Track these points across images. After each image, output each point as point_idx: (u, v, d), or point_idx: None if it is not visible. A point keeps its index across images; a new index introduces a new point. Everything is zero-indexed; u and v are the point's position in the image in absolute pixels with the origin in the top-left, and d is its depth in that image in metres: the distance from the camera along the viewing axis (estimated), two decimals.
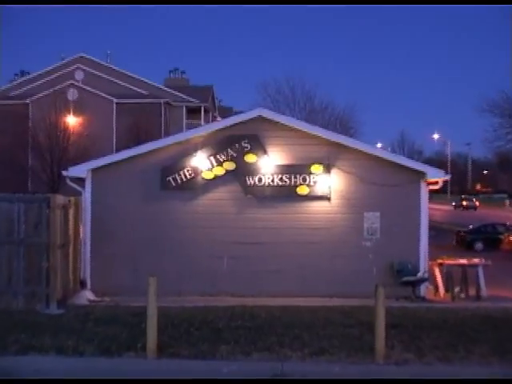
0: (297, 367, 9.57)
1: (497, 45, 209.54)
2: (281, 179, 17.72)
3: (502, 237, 36.43)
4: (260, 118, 17.96)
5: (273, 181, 17.73)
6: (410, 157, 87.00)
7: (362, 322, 12.30)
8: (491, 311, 14.28)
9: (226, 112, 63.05)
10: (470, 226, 39.58)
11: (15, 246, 14.42)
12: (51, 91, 48.50)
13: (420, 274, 17.43)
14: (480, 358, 10.12)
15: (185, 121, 54.51)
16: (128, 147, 20.47)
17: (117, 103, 52.12)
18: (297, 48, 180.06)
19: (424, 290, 17.66)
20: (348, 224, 17.70)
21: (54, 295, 14.40)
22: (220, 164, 17.79)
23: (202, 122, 52.61)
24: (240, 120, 18.22)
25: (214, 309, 14.13)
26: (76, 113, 47.99)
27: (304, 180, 17.67)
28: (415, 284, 17.33)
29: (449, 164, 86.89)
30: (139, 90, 53.96)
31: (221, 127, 18.26)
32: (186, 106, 55.41)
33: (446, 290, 18.01)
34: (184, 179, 17.76)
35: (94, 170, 17.89)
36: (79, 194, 17.85)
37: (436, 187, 18.34)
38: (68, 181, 17.99)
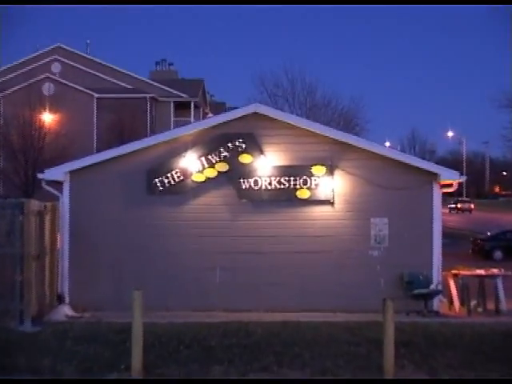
0: None
1: None
2: (279, 182, 17.74)
3: None
4: (256, 115, 17.98)
5: (270, 184, 17.76)
6: (422, 156, 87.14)
7: (368, 339, 12.33)
8: None
9: (219, 108, 63.23)
10: (488, 233, 39.62)
11: None
12: (25, 85, 48.45)
13: (433, 286, 17.45)
14: (499, 379, 10.15)
15: (173, 118, 54.58)
16: (110, 147, 20.47)
17: (98, 98, 52.13)
18: (296, 36, 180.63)
19: (437, 303, 17.68)
20: (353, 231, 17.72)
21: (28, 311, 14.39)
22: (212, 165, 17.81)
23: (192, 118, 52.61)
24: (234, 117, 18.24)
25: (205, 325, 14.14)
26: (53, 109, 47.91)
27: (304, 183, 17.70)
28: (427, 297, 17.35)
29: (464, 164, 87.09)
30: (123, 84, 54.00)
31: (213, 125, 18.28)
32: (174, 102, 55.48)
33: (462, 304, 18.03)
34: (172, 182, 17.77)
35: (73, 173, 17.88)
36: (56, 198, 17.83)
37: (450, 190, 18.38)
38: (44, 184, 17.98)
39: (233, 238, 17.60)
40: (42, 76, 51.78)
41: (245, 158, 17.82)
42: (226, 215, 17.81)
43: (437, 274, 17.64)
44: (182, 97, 55.42)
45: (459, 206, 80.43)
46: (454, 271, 18.82)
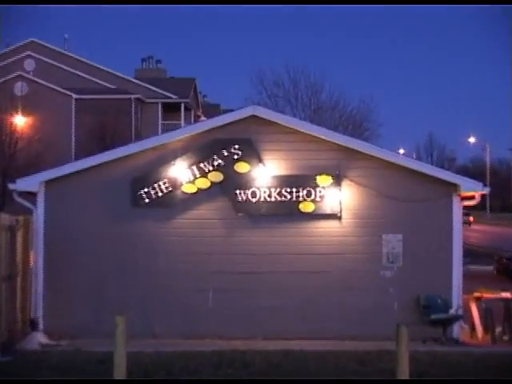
0: None
1: None
2: (279, 193, 17.76)
3: None
4: (254, 118, 18.03)
5: (270, 195, 17.78)
6: (440, 165, 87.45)
7: (380, 370, 12.32)
8: None
9: (212, 110, 63.43)
10: None
11: None
12: None
13: (452, 311, 17.46)
14: None
15: (161, 121, 54.74)
16: (91, 154, 20.47)
17: (76, 99, 52.25)
18: (300, 31, 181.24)
19: (457, 330, 17.67)
20: (363, 249, 17.73)
21: None
22: (204, 175, 17.82)
23: (183, 122, 52.82)
24: (229, 120, 18.28)
25: (197, 354, 14.12)
26: (26, 111, 48.08)
27: (308, 194, 17.72)
28: (446, 323, 17.35)
29: (488, 174, 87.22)
30: (104, 84, 54.16)
31: (205, 129, 18.31)
32: (163, 103, 55.63)
33: (485, 331, 18.02)
34: (160, 194, 17.78)
35: (49, 183, 17.90)
36: (30, 212, 17.85)
37: (472, 203, 18.37)
38: (15, 196, 17.97)
39: (228, 256, 17.60)
40: (14, 74, 51.97)
41: (241, 167, 17.84)
42: (220, 231, 17.81)
43: (457, 298, 17.64)
44: (171, 98, 55.52)
45: None
46: (476, 294, 18.83)
